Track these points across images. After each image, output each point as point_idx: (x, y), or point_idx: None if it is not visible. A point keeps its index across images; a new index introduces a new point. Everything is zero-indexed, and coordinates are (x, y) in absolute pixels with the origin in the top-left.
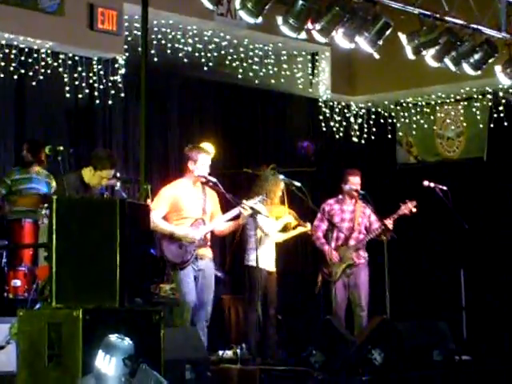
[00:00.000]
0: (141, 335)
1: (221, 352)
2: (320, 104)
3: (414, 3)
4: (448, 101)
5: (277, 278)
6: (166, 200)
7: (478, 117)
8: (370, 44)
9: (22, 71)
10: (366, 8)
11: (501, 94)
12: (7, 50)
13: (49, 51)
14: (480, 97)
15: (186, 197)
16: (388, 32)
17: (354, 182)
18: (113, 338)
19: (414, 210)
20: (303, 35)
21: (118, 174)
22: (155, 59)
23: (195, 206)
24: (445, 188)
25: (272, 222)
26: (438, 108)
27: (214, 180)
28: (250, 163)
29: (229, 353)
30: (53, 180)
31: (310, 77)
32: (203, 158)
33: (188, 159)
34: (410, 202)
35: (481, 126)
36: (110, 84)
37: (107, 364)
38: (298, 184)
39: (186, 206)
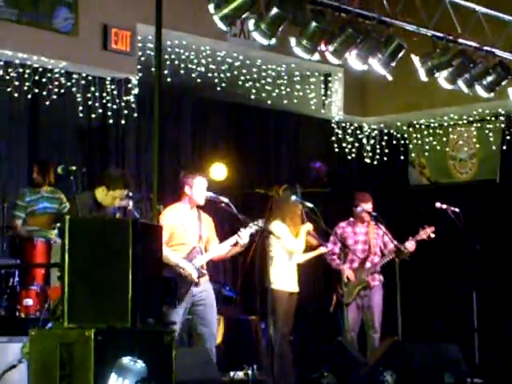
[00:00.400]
0: (152, 356)
1: (232, 373)
2: (332, 125)
3: (428, 25)
4: (461, 122)
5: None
6: (166, 228)
7: (491, 139)
8: (383, 66)
9: (36, 91)
10: (380, 30)
11: None
12: (21, 70)
13: (62, 71)
14: (493, 119)
15: (182, 223)
16: (401, 54)
17: (366, 207)
18: (126, 360)
19: (433, 235)
20: (316, 56)
21: (131, 194)
22: (168, 79)
23: (192, 232)
24: (457, 210)
25: (296, 242)
26: (450, 130)
27: (226, 200)
28: (262, 184)
29: (240, 374)
30: (61, 194)
31: (323, 98)
32: (199, 181)
33: (184, 184)
34: (428, 227)
35: (493, 147)
36: (123, 104)
37: None
38: (310, 205)
39: (183, 233)
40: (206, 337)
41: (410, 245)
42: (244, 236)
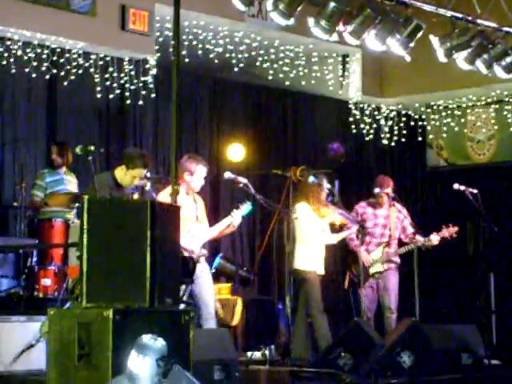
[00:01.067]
0: (170, 335)
1: (249, 353)
2: (350, 106)
3: (446, 6)
4: (479, 103)
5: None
6: None
7: (509, 120)
8: (401, 46)
9: (54, 71)
10: (398, 10)
11: None
12: (39, 50)
13: (80, 51)
14: (511, 100)
15: (181, 206)
16: (420, 34)
17: (386, 190)
18: (146, 338)
19: (455, 235)
20: (334, 37)
21: (149, 174)
22: (186, 60)
23: (189, 213)
24: (475, 191)
25: (317, 224)
26: (468, 111)
27: (245, 181)
28: (280, 165)
29: (257, 354)
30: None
31: (341, 79)
32: (200, 170)
33: (185, 169)
34: (452, 226)
35: (511, 129)
36: (140, 84)
37: (140, 364)
38: (328, 186)
39: (182, 216)
40: (204, 317)
41: (435, 239)
42: (237, 216)
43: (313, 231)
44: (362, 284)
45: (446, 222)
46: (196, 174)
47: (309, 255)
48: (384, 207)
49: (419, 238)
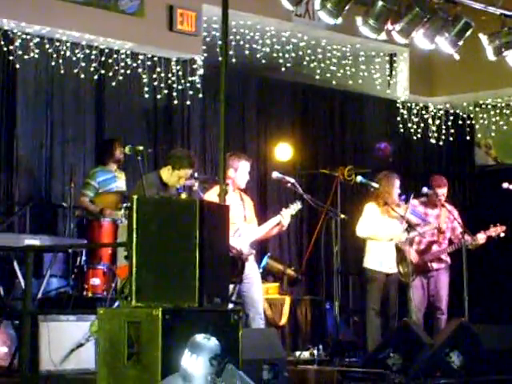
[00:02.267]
0: (219, 335)
1: (298, 353)
2: (398, 105)
3: (496, 4)
4: None
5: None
6: None
7: None
8: (450, 45)
9: (102, 72)
10: (447, 8)
11: None
12: (88, 51)
13: (128, 52)
14: None
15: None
16: (469, 33)
17: (440, 191)
18: (199, 337)
19: (503, 234)
20: (382, 36)
21: (196, 174)
22: (233, 60)
23: (237, 213)
24: None
25: (386, 224)
26: None
27: (292, 181)
28: (327, 164)
29: (306, 354)
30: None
31: (388, 78)
32: (244, 165)
33: (228, 166)
34: (500, 226)
35: None
36: (188, 84)
37: (193, 363)
38: (376, 185)
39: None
40: (252, 316)
41: (481, 237)
42: (286, 216)
43: (379, 231)
44: (410, 283)
45: (494, 222)
46: (240, 169)
47: (374, 255)
48: (436, 207)
49: (467, 238)
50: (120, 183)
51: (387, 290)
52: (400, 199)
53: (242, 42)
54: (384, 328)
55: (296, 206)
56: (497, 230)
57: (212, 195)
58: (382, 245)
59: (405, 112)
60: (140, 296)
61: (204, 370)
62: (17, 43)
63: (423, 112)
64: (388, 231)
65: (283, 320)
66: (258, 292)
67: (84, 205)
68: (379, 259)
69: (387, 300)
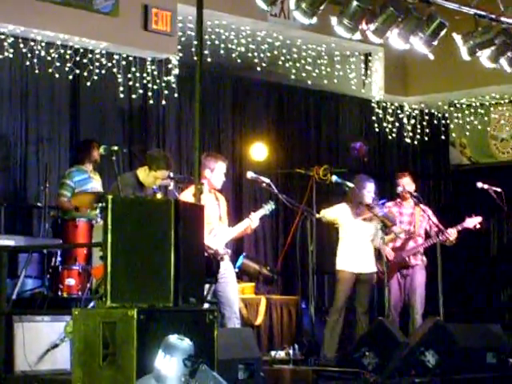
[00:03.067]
0: (195, 335)
1: (273, 352)
2: (373, 105)
3: (470, 4)
4: (502, 102)
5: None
6: None
7: None
8: (424, 44)
9: (77, 71)
10: (421, 8)
11: None
12: (62, 51)
13: (103, 51)
14: None
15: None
16: (443, 32)
17: (404, 182)
18: (173, 338)
19: (478, 226)
20: (357, 36)
21: (172, 174)
22: (209, 60)
23: (212, 212)
24: (499, 190)
25: (356, 224)
26: (492, 109)
27: (267, 181)
28: (303, 164)
29: (281, 353)
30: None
31: (363, 77)
32: (220, 166)
33: (204, 167)
34: (475, 216)
35: None
36: (163, 84)
37: (167, 364)
38: (351, 185)
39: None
40: (227, 316)
41: (452, 232)
42: (255, 219)
43: (349, 231)
44: (386, 282)
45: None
46: (216, 170)
47: (344, 255)
48: (409, 205)
49: (441, 237)
50: (95, 184)
51: (356, 289)
52: (377, 203)
53: (217, 42)
54: (354, 325)
55: (269, 206)
56: (472, 222)
57: (187, 195)
58: (353, 245)
59: (380, 111)
60: (115, 296)
61: (177, 371)
62: None
63: (398, 111)
64: (354, 230)
65: (259, 320)
66: (234, 292)
67: (62, 205)
68: (349, 259)
69: (357, 297)
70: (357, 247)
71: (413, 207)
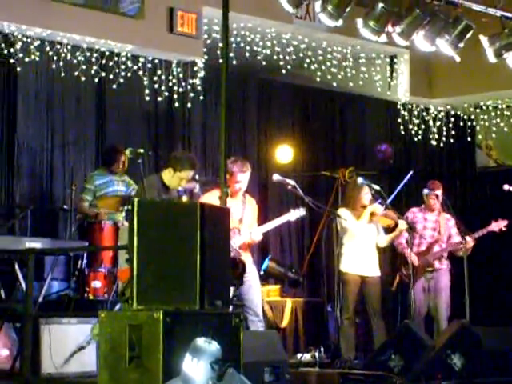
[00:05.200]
0: (220, 338)
1: (299, 355)
2: (398, 107)
3: (496, 5)
4: None
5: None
6: None
7: None
8: (450, 47)
9: (103, 74)
10: (447, 10)
11: None
12: (88, 54)
13: (129, 54)
14: None
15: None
16: (469, 34)
17: (435, 193)
18: (200, 341)
19: (504, 229)
20: (383, 38)
21: (197, 177)
22: (234, 62)
23: (232, 215)
24: None
25: (358, 227)
26: None
27: (293, 183)
28: (328, 166)
29: (307, 356)
30: (127, 176)
31: (389, 79)
32: (238, 175)
33: (227, 171)
34: (501, 220)
35: None
36: (189, 87)
37: (195, 367)
38: (377, 187)
39: None
40: (251, 319)
41: (469, 240)
42: (256, 234)
43: (353, 234)
44: (412, 285)
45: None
46: (234, 177)
47: (348, 257)
48: (434, 212)
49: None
50: (118, 186)
51: (365, 291)
52: (374, 203)
53: (242, 44)
54: (366, 327)
55: (298, 213)
56: (498, 225)
57: (210, 197)
58: (357, 247)
59: (405, 114)
60: (141, 299)
61: (205, 375)
62: (17, 46)
63: (424, 114)
64: (357, 233)
65: (284, 322)
66: (257, 294)
67: (83, 210)
68: (353, 262)
69: (367, 300)
70: (361, 250)
71: (438, 214)
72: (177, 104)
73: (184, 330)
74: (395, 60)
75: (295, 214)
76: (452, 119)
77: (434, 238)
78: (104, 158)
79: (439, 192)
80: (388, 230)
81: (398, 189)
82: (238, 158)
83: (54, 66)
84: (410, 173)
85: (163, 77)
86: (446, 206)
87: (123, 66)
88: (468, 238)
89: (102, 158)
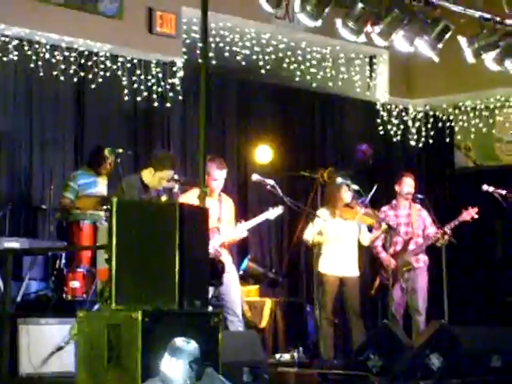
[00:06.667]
0: (199, 338)
1: (278, 355)
2: (378, 107)
3: (475, 6)
4: (507, 104)
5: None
6: None
7: None
8: (429, 47)
9: (82, 74)
10: (426, 11)
11: None
12: (67, 53)
13: (108, 54)
14: None
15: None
16: (448, 35)
17: (407, 183)
18: (179, 340)
19: (476, 216)
20: (362, 38)
21: (176, 177)
22: (213, 62)
23: (210, 213)
24: (504, 192)
25: (337, 227)
26: (496, 111)
27: (272, 183)
28: (307, 166)
29: (286, 356)
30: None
31: (368, 80)
32: (216, 173)
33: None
34: (471, 208)
35: None
36: (168, 87)
37: (173, 367)
38: (356, 187)
39: None
40: (230, 319)
41: (448, 228)
42: (244, 230)
43: (330, 233)
44: (391, 286)
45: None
46: (212, 175)
47: (325, 258)
48: (406, 207)
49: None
50: (101, 188)
51: (343, 291)
52: (356, 201)
53: (221, 44)
54: (345, 327)
55: (276, 211)
56: (469, 213)
57: (189, 197)
58: (336, 248)
59: (385, 114)
60: (120, 299)
61: (183, 374)
62: None
63: (403, 114)
64: (336, 231)
65: (263, 322)
66: (237, 294)
67: (65, 205)
68: (332, 262)
69: (345, 300)
70: (340, 250)
71: (409, 207)
72: (156, 104)
73: (163, 329)
74: (374, 60)
75: (274, 212)
76: (431, 120)
77: (408, 234)
78: (91, 158)
79: (410, 184)
80: (371, 229)
81: (366, 200)
82: (215, 155)
83: (32, 66)
84: (375, 187)
85: (142, 76)
86: (425, 206)
87: (102, 66)
88: (446, 227)
89: (89, 158)
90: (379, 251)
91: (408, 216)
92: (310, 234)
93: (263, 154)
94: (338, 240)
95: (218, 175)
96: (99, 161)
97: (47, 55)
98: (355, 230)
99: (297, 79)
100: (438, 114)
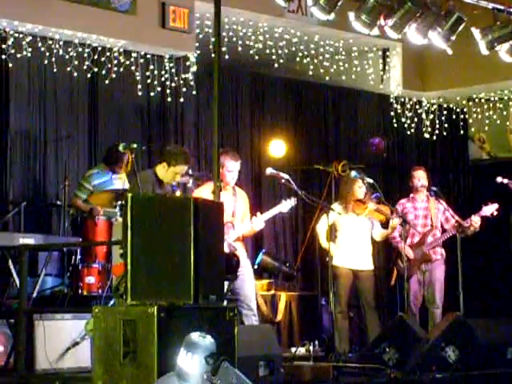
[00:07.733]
0: (215, 332)
1: (293, 349)
2: (391, 100)
3: None
4: None
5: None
6: None
7: None
8: (442, 39)
9: (95, 70)
10: (439, 3)
11: None
12: (80, 49)
13: (121, 50)
14: None
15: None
16: (461, 27)
17: (419, 176)
18: (195, 335)
19: (496, 213)
20: (375, 31)
21: (191, 171)
22: (226, 56)
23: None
24: None
25: (349, 221)
26: (511, 103)
27: (287, 177)
28: (321, 160)
29: (301, 350)
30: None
31: (381, 73)
32: (230, 164)
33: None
34: (492, 203)
35: None
36: (181, 81)
37: (189, 362)
38: (370, 180)
39: None
40: (244, 313)
41: (476, 219)
42: (258, 222)
43: (344, 227)
44: (406, 278)
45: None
46: (225, 167)
47: (340, 252)
48: (423, 199)
49: (462, 222)
50: (118, 186)
51: (358, 285)
52: (369, 197)
53: (234, 39)
54: (360, 320)
55: (290, 203)
56: (490, 209)
57: (203, 192)
58: (350, 242)
59: (398, 107)
60: (135, 294)
61: (200, 369)
62: (9, 42)
63: (417, 107)
64: (349, 226)
65: (279, 316)
66: (251, 289)
67: (76, 206)
68: (346, 256)
69: (360, 293)
70: (354, 244)
71: (427, 201)
72: (169, 99)
73: (178, 324)
74: (387, 53)
75: (287, 204)
76: (445, 112)
77: (426, 226)
78: (107, 155)
79: (423, 176)
80: (383, 224)
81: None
82: (229, 148)
83: (46, 62)
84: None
85: (155, 72)
86: (439, 197)
87: (115, 61)
88: (475, 218)
89: (105, 155)
90: (398, 241)
91: (426, 209)
92: (323, 227)
93: (277, 147)
94: (352, 234)
95: (232, 166)
96: (115, 158)
97: (61, 51)
98: (368, 225)
99: (310, 73)
100: (451, 106)
